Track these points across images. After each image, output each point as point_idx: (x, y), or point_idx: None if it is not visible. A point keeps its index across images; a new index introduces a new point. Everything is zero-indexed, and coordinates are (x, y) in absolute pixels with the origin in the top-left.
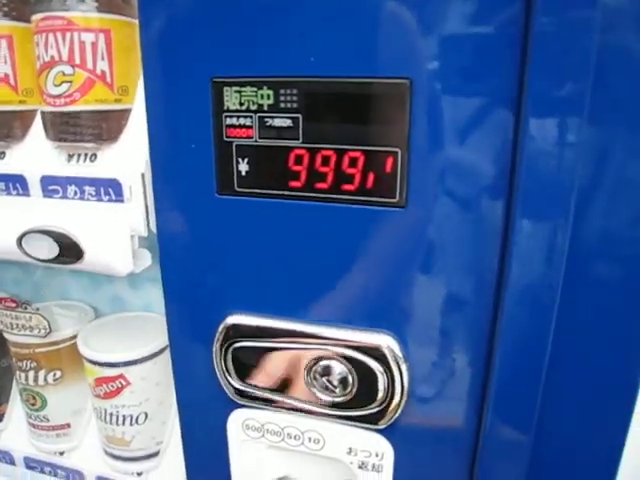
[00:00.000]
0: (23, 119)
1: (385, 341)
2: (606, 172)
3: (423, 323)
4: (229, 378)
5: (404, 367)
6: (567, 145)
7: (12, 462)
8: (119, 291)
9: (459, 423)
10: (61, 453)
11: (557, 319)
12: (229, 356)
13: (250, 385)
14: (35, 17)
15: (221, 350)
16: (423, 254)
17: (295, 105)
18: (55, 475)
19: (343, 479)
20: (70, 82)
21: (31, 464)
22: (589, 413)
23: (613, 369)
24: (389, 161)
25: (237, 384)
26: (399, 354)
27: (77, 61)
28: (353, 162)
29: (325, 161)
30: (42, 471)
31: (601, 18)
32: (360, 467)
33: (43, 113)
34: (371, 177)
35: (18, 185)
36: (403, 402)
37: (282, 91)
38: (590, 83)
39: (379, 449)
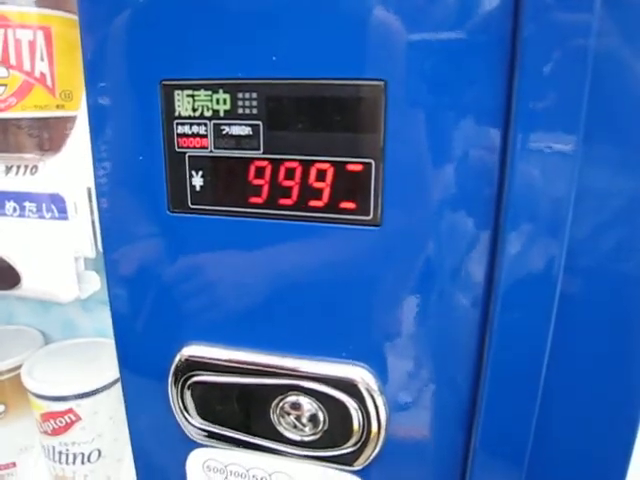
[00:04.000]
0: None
1: (359, 374)
2: (597, 188)
3: (401, 353)
4: (186, 415)
5: (380, 402)
6: (560, 160)
7: None
8: (70, 315)
9: (444, 463)
10: None
11: (550, 356)
12: (186, 391)
13: (210, 423)
14: None
15: (177, 384)
16: (400, 277)
17: (255, 111)
18: None
19: None
20: (5, 85)
21: None
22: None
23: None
24: (362, 173)
25: (195, 422)
26: (374, 387)
27: (12, 62)
28: (321, 175)
29: (289, 174)
30: None
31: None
32: None
33: None
34: (341, 191)
35: None
36: (380, 440)
37: (240, 95)
38: (586, 94)
39: None
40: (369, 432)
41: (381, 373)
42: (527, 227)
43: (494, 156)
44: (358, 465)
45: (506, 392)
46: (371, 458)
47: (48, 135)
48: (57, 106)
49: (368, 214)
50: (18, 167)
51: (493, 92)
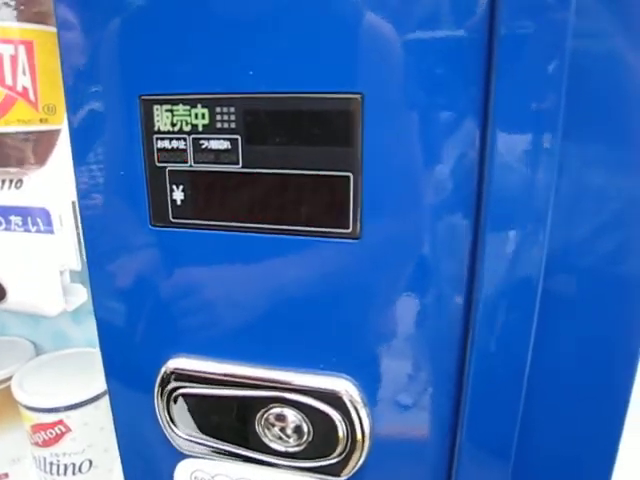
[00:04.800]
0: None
1: (343, 386)
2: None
3: (384, 364)
4: (172, 427)
5: (364, 413)
6: (540, 164)
7: None
8: (62, 326)
9: (429, 470)
10: None
11: (533, 357)
12: (172, 403)
13: (196, 434)
14: None
15: (163, 396)
16: (381, 289)
17: (233, 125)
18: None
19: None
20: None
21: None
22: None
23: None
24: (340, 187)
25: (182, 433)
26: (358, 399)
27: None
28: (300, 189)
29: (268, 188)
30: None
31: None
32: None
33: None
34: (320, 205)
35: None
36: (365, 451)
37: (218, 109)
38: (564, 92)
39: None
40: (354, 443)
41: (365, 384)
42: (507, 231)
43: (472, 165)
44: (344, 475)
45: (489, 398)
46: (356, 468)
47: (32, 149)
48: (40, 120)
49: (347, 227)
50: (3, 181)
51: (469, 100)
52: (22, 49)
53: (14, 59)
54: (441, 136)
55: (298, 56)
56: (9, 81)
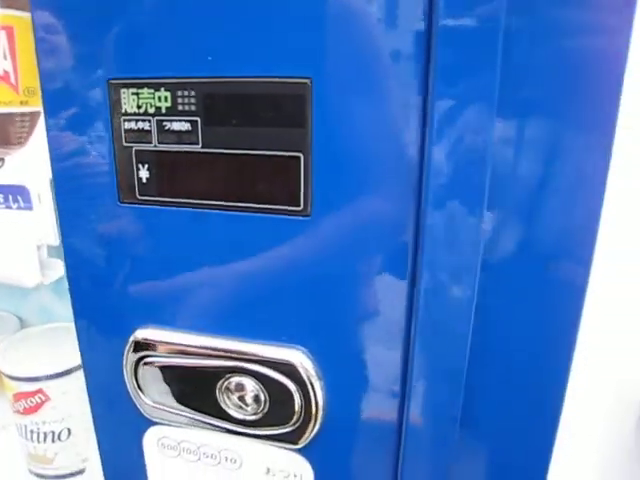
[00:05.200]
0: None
1: (297, 357)
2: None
3: (335, 337)
4: (140, 394)
5: (318, 385)
6: (479, 141)
7: None
8: (46, 301)
9: (380, 440)
10: None
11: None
12: (140, 371)
13: (162, 402)
14: None
15: (130, 365)
16: (331, 264)
17: (193, 108)
18: None
19: None
20: None
21: None
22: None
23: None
24: (291, 167)
25: (148, 400)
26: (312, 372)
27: None
28: (254, 168)
29: (225, 167)
30: None
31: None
32: None
33: None
34: (273, 184)
35: None
36: (319, 421)
37: (179, 93)
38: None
39: (297, 469)
40: (308, 413)
41: (319, 357)
42: (447, 212)
43: (416, 148)
44: (301, 443)
45: (433, 371)
46: (311, 437)
47: (13, 129)
48: (21, 102)
49: (299, 205)
50: None
51: (408, 81)
52: (3, 34)
53: None
54: (386, 118)
55: (252, 43)
56: None
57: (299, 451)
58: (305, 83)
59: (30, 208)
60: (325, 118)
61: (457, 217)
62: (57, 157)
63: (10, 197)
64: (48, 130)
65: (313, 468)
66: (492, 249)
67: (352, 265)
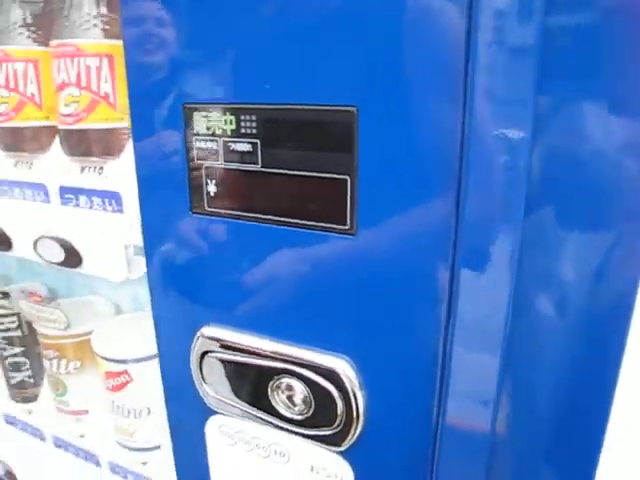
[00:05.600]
0: (48, 134)
1: (342, 366)
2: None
3: (378, 347)
4: (204, 385)
5: (359, 394)
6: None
7: (42, 439)
8: (138, 290)
9: (417, 445)
10: (81, 436)
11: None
12: (204, 364)
13: (222, 394)
14: (51, 43)
15: (196, 358)
16: (374, 280)
17: (254, 131)
18: (77, 455)
19: None
20: (77, 102)
21: (58, 442)
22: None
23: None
24: (339, 188)
25: (210, 391)
26: (354, 381)
27: (83, 84)
28: (306, 188)
29: (281, 186)
30: (67, 450)
31: None
32: None
33: (59, 130)
34: (323, 204)
35: (42, 193)
36: (360, 427)
37: (242, 117)
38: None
39: (339, 471)
40: (350, 418)
41: (362, 366)
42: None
43: (455, 170)
44: (342, 446)
45: (467, 378)
46: (353, 440)
47: (111, 142)
48: (117, 119)
49: (345, 224)
50: (89, 168)
51: (452, 100)
52: (105, 61)
53: (98, 69)
54: (425, 143)
55: (304, 74)
56: (94, 87)
57: (341, 453)
58: (352, 111)
59: (121, 211)
60: (371, 144)
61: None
62: (141, 168)
63: (106, 201)
64: (135, 145)
65: (353, 470)
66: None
67: (393, 280)
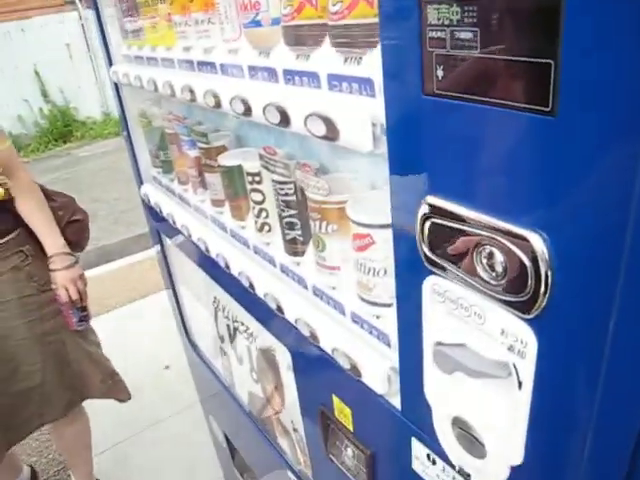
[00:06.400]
0: (321, 31)
1: (536, 240)
2: None
3: (571, 227)
4: (422, 246)
5: (548, 267)
6: None
7: (305, 287)
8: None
9: (596, 331)
10: (333, 287)
11: None
12: (425, 228)
13: (436, 254)
14: None
15: (420, 221)
16: (573, 163)
17: (475, 20)
18: (328, 304)
19: None
20: (342, 1)
21: (316, 292)
22: None
23: None
24: (544, 72)
25: (427, 251)
26: (545, 255)
27: None
28: (516, 72)
29: (494, 69)
30: (322, 299)
31: None
32: (509, 349)
33: (327, 26)
34: (528, 86)
35: (315, 80)
36: (546, 300)
37: (466, 8)
38: None
39: (525, 337)
40: (538, 288)
41: (555, 242)
42: None
43: None
44: (531, 314)
45: None
46: (539, 311)
47: (368, 35)
48: (374, 15)
49: (547, 106)
50: (351, 59)
51: None
52: None
53: None
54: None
55: None
56: None
57: (529, 322)
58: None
59: (374, 96)
60: (575, 31)
61: None
62: (387, 57)
63: (362, 86)
64: (381, 36)
65: (537, 340)
66: None
67: (590, 166)
